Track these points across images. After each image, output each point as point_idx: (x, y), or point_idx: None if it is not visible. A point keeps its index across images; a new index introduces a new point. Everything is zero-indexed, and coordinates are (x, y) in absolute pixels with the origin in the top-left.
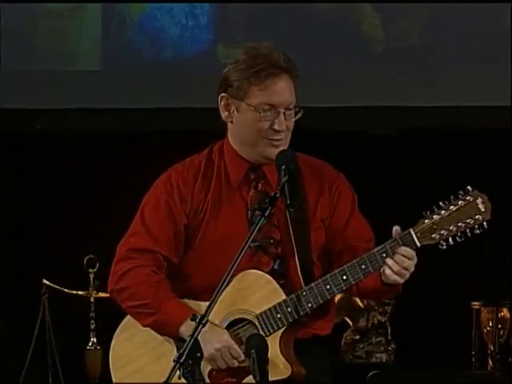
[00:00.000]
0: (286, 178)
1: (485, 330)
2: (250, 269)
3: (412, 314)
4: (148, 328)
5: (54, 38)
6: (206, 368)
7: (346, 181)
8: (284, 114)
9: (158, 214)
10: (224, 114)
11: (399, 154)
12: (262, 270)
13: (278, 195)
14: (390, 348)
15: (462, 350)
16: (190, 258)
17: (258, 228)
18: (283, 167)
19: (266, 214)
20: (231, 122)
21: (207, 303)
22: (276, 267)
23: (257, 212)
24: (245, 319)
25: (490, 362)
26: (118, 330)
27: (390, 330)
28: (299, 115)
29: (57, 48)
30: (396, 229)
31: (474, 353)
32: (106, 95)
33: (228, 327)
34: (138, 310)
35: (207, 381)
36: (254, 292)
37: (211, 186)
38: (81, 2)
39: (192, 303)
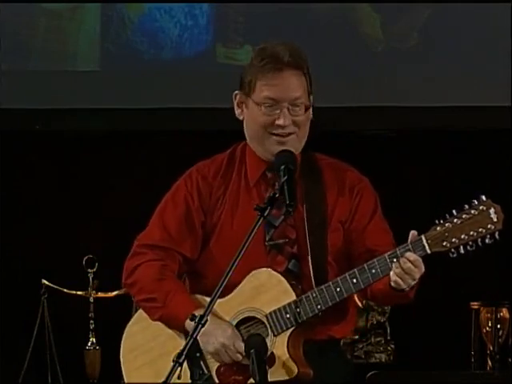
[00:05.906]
0: (286, 177)
1: (484, 330)
2: (264, 267)
3: (411, 314)
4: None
5: (53, 38)
6: (213, 365)
7: (369, 185)
8: (288, 109)
9: (176, 210)
10: (237, 112)
11: (399, 154)
12: (276, 270)
13: (276, 195)
14: (389, 348)
15: (461, 350)
16: (206, 257)
17: (257, 228)
18: (282, 167)
19: (266, 213)
20: (243, 120)
21: (220, 300)
22: (290, 267)
23: (276, 211)
24: (255, 318)
25: (490, 362)
26: (130, 322)
27: (389, 330)
28: (309, 112)
29: (56, 48)
30: (412, 233)
31: (473, 353)
32: (105, 95)
33: (238, 325)
34: (146, 304)
35: (215, 378)
36: (266, 291)
37: (230, 184)
38: (80, 2)
39: (204, 299)
